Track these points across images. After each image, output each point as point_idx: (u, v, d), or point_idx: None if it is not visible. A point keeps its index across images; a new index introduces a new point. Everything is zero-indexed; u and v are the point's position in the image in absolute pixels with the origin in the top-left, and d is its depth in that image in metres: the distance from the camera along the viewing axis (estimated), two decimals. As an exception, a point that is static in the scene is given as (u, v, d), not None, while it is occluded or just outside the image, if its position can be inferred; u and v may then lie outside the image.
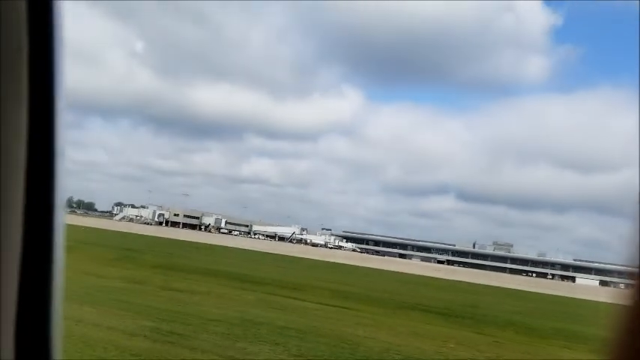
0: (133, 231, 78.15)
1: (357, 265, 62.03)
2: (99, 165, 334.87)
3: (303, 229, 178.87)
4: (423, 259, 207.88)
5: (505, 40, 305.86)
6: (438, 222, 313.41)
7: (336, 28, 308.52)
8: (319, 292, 26.31)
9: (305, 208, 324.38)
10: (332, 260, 64.40)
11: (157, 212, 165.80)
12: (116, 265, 28.11)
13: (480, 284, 53.39)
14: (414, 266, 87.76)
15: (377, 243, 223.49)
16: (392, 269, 61.73)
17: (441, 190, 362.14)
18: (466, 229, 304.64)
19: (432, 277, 55.03)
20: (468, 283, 52.15)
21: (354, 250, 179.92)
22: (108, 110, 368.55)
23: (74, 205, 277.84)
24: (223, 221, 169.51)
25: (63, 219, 1.22)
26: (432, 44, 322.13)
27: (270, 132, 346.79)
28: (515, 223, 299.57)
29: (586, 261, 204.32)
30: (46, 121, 1.17)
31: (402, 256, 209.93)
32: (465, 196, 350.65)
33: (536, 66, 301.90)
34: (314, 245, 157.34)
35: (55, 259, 1.20)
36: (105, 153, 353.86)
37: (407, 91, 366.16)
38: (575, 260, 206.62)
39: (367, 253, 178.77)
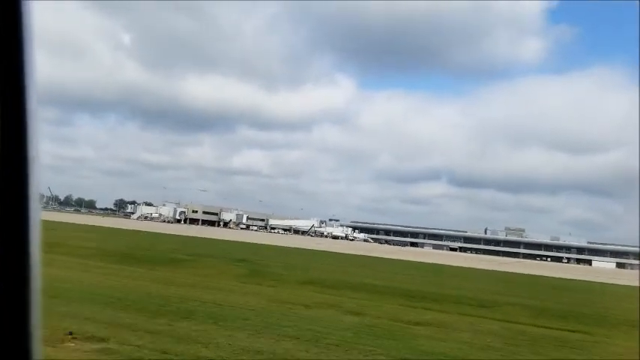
0: (173, 231, 73.75)
1: (427, 261, 58.46)
2: (89, 161, 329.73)
3: (322, 222, 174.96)
4: (435, 246, 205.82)
5: (499, 22, 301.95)
6: (429, 208, 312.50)
7: (328, 16, 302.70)
8: (510, 310, 22.68)
9: (297, 199, 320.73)
10: (399, 258, 60.77)
11: (178, 210, 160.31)
12: (260, 282, 24.16)
13: (585, 280, 50.31)
14: (470, 259, 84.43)
15: (387, 232, 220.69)
16: (467, 265, 58.30)
17: (433, 175, 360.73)
18: (457, 214, 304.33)
19: (525, 275, 51.68)
20: (580, 281, 48.98)
21: (365, 240, 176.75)
22: (97, 105, 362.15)
23: (74, 203, 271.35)
24: (245, 217, 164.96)
25: (39, 216, 1.19)
26: (425, 29, 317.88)
27: (262, 123, 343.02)
28: (506, 207, 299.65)
29: (600, 243, 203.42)
30: (19, 119, 1.16)
31: (413, 244, 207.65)
32: (457, 181, 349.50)
33: (530, 48, 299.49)
34: (334, 238, 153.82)
35: (31, 258, 1.17)
36: (95, 149, 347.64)
37: (399, 77, 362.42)
38: (589, 243, 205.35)
39: (387, 243, 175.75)
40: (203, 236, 65.52)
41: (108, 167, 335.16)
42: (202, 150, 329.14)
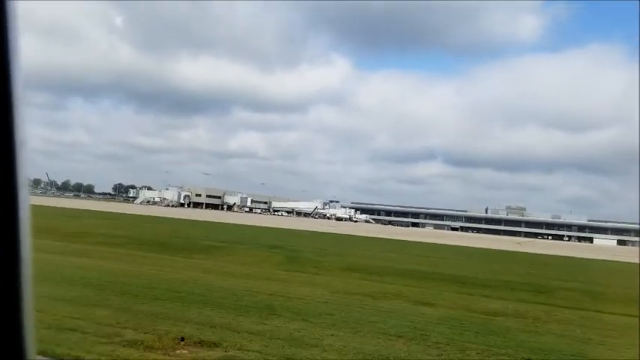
0: (184, 216, 72.79)
1: (447, 243, 57.84)
2: (83, 145, 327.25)
3: (325, 204, 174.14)
4: (436, 226, 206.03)
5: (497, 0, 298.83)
6: (425, 187, 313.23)
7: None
8: (567, 295, 21.96)
9: (294, 180, 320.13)
10: (417, 240, 60.06)
11: (183, 194, 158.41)
12: (303, 270, 23.25)
13: (609, 260, 49.81)
14: (485, 240, 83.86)
15: (388, 213, 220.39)
16: (488, 246, 57.69)
17: (429, 155, 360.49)
18: (454, 193, 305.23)
19: (548, 255, 51.12)
20: (606, 261, 48.43)
21: (367, 222, 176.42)
22: (90, 89, 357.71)
23: (72, 189, 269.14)
24: (249, 200, 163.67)
25: (28, 203, 1.15)
26: (422, 8, 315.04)
27: (257, 104, 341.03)
28: (502, 185, 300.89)
29: (600, 221, 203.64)
30: (5, 104, 1.13)
31: (414, 224, 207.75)
32: (453, 160, 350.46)
33: (527, 26, 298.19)
34: (338, 219, 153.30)
35: (22, 250, 1.13)
36: (89, 133, 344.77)
37: (396, 57, 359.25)
38: (589, 221, 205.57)
39: (391, 224, 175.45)
40: (218, 221, 64.57)
41: (102, 151, 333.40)
42: (197, 133, 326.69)
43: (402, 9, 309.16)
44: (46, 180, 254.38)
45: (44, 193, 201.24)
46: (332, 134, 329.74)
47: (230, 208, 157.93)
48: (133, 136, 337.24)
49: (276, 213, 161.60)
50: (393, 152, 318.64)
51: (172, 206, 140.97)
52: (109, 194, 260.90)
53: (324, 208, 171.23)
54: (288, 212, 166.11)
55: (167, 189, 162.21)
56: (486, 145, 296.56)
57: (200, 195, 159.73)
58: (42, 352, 6.84)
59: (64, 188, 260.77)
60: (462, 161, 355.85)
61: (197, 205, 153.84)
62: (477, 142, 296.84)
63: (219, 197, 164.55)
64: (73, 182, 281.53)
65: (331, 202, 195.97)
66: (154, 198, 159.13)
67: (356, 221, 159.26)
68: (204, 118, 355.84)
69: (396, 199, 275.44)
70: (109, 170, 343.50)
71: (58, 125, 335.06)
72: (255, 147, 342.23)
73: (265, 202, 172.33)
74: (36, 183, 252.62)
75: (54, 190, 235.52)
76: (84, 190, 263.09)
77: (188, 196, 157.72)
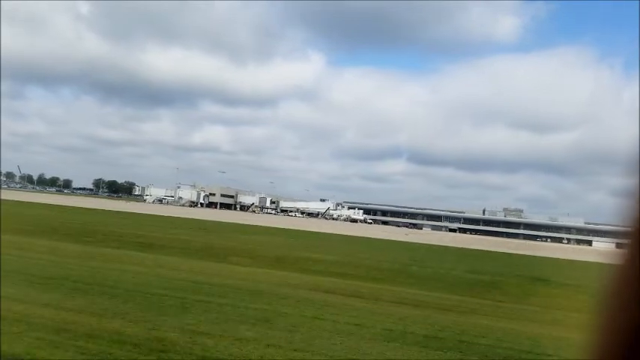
0: (235, 220, 65.04)
1: (564, 257, 52.53)
2: (41, 137, 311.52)
3: (337, 204, 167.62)
4: (434, 227, 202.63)
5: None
6: (388, 185, 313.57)
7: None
8: None
9: (256, 175, 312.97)
10: (526, 252, 54.49)
11: (202, 193, 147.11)
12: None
13: None
14: (545, 248, 79.07)
15: (384, 213, 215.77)
16: (567, 256, 52.44)
17: (395, 153, 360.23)
18: (415, 191, 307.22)
19: None
20: None
21: (364, 221, 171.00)
22: (51, 78, 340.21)
23: (48, 183, 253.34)
24: (268, 200, 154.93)
25: None
26: (400, 5, 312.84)
27: (227, 98, 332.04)
28: (463, 184, 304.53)
29: (597, 224, 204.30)
30: None
31: (412, 225, 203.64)
32: (417, 158, 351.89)
33: (502, 26, 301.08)
34: (353, 221, 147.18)
35: None
36: (48, 124, 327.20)
37: (371, 54, 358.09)
38: (586, 223, 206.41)
39: (406, 227, 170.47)
40: (281, 226, 56.98)
41: (62, 143, 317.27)
42: (162, 126, 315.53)
43: (380, 6, 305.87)
44: (19, 173, 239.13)
45: (23, 188, 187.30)
46: (301, 130, 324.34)
47: (244, 207, 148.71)
48: (95, 127, 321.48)
49: (290, 214, 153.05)
50: (360, 149, 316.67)
51: (190, 206, 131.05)
52: (88, 189, 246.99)
53: (336, 209, 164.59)
54: (301, 213, 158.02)
55: (179, 187, 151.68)
56: (452, 143, 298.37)
57: (214, 194, 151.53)
58: None
59: (42, 182, 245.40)
60: (426, 159, 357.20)
61: (211, 204, 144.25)
62: (444, 141, 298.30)
63: (232, 197, 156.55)
64: (42, 176, 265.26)
65: (320, 200, 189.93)
66: (177, 197, 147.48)
67: (370, 223, 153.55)
68: (169, 111, 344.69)
69: (359, 196, 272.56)
70: (69, 163, 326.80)
71: (16, 114, 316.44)
72: (220, 141, 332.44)
73: (273, 202, 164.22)
74: (9, 176, 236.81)
75: (33, 185, 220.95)
76: (62, 185, 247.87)
77: (207, 195, 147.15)
